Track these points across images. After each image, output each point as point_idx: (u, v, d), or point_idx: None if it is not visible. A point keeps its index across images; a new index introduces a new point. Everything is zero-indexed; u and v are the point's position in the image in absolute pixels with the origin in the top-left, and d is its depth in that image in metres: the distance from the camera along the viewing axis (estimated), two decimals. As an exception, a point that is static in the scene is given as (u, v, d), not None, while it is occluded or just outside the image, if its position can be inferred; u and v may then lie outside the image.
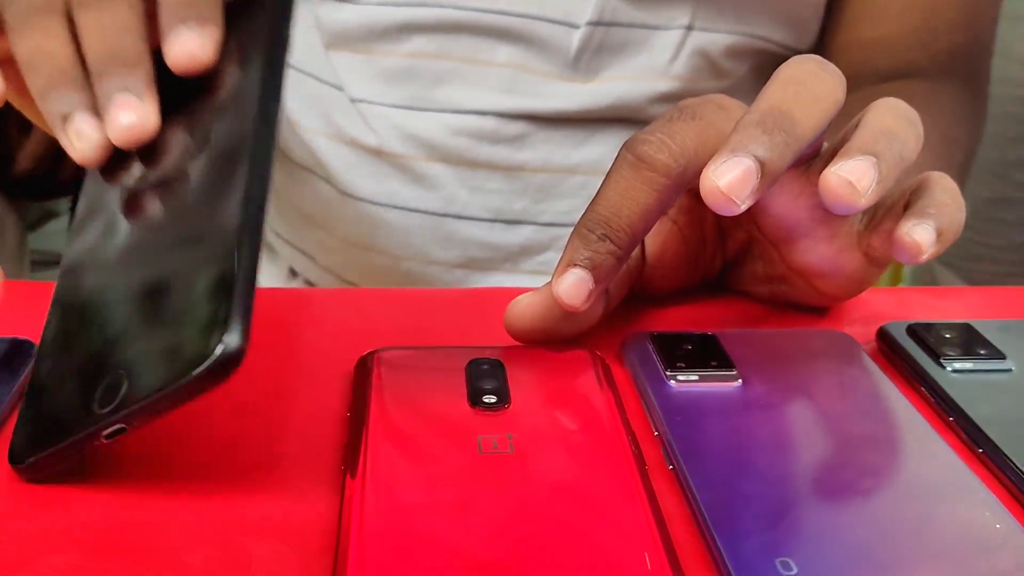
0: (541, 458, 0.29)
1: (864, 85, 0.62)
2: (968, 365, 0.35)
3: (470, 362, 0.33)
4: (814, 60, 0.34)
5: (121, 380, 0.27)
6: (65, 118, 0.32)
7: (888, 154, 0.32)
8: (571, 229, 0.34)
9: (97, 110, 0.32)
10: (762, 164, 0.30)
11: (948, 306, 0.42)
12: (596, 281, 0.33)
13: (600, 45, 0.59)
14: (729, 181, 0.30)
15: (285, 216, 0.68)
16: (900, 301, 0.43)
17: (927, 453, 0.31)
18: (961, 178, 0.63)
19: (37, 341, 0.31)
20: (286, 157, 0.66)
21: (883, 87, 0.63)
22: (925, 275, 0.96)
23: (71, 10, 0.33)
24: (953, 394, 0.33)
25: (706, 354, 0.35)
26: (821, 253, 0.37)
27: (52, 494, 0.28)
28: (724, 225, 0.40)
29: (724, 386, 0.33)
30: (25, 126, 0.91)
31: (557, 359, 0.34)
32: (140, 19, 0.33)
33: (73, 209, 0.78)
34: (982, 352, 0.36)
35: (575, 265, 0.33)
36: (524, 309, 0.35)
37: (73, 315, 0.31)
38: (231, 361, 0.25)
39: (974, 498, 0.28)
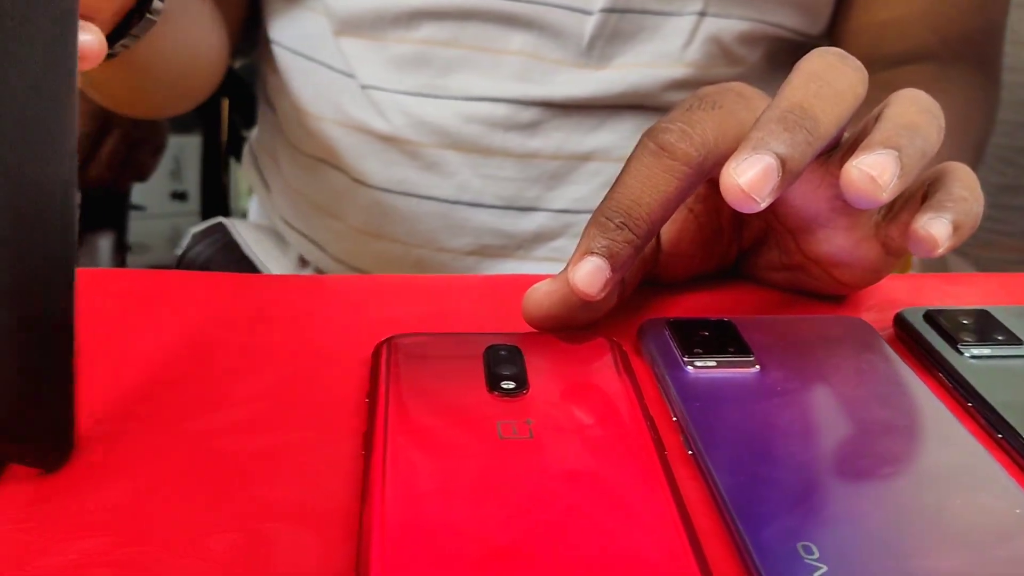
0: (561, 444, 0.29)
1: (877, 69, 0.62)
2: (986, 351, 0.35)
3: (487, 348, 0.33)
4: (835, 54, 0.34)
5: None
6: None
7: (910, 148, 0.32)
8: (584, 216, 0.34)
9: None
10: (783, 162, 0.30)
11: (963, 292, 0.42)
12: (613, 270, 0.33)
13: (613, 32, 0.58)
14: (750, 179, 0.30)
15: (295, 205, 0.68)
16: (915, 288, 0.43)
17: (946, 439, 0.31)
18: (974, 163, 0.62)
19: None
20: (296, 148, 0.66)
21: (897, 71, 0.63)
22: (936, 261, 0.96)
23: None
24: (971, 380, 0.33)
25: (723, 340, 0.35)
26: (839, 243, 0.37)
27: (76, 480, 0.28)
28: (741, 214, 0.40)
29: (742, 372, 0.33)
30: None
31: (575, 345, 0.34)
32: None
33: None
34: (999, 338, 0.36)
35: (592, 253, 0.33)
36: (542, 297, 0.35)
37: None
38: None
39: (994, 484, 0.28)
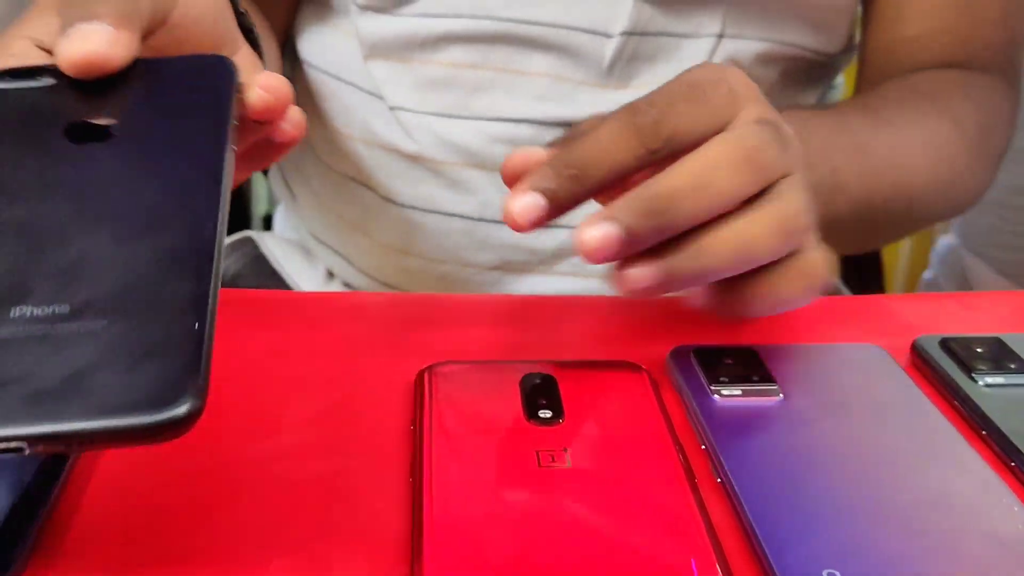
0: (597, 472, 0.31)
1: None
2: (1000, 379, 0.37)
3: (524, 377, 0.35)
4: (756, 138, 0.35)
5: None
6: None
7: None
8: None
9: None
10: (626, 233, 0.33)
11: (979, 318, 0.44)
12: (549, 214, 0.34)
13: (633, 54, 0.60)
14: (589, 243, 0.33)
15: (324, 220, 0.69)
16: (932, 312, 0.44)
17: (962, 467, 0.32)
18: (995, 167, 0.64)
19: None
20: (327, 166, 0.67)
21: (921, 73, 0.63)
22: (955, 264, 0.96)
23: None
24: (985, 408, 0.35)
25: (748, 369, 0.36)
26: None
27: (139, 502, 0.30)
28: None
29: (767, 400, 0.35)
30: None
31: (606, 374, 0.36)
32: None
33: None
34: (1012, 366, 0.37)
35: (539, 191, 0.34)
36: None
37: None
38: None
39: (1009, 512, 0.30)
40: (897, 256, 1.50)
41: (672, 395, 0.37)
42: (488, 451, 0.32)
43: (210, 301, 0.26)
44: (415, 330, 0.41)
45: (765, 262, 0.35)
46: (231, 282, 0.71)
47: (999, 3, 0.64)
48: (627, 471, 0.31)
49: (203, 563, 0.28)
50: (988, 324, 0.43)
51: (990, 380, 0.37)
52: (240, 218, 0.97)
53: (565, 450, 0.31)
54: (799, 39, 0.63)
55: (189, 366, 0.24)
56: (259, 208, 1.31)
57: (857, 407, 0.35)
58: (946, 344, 0.39)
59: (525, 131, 0.61)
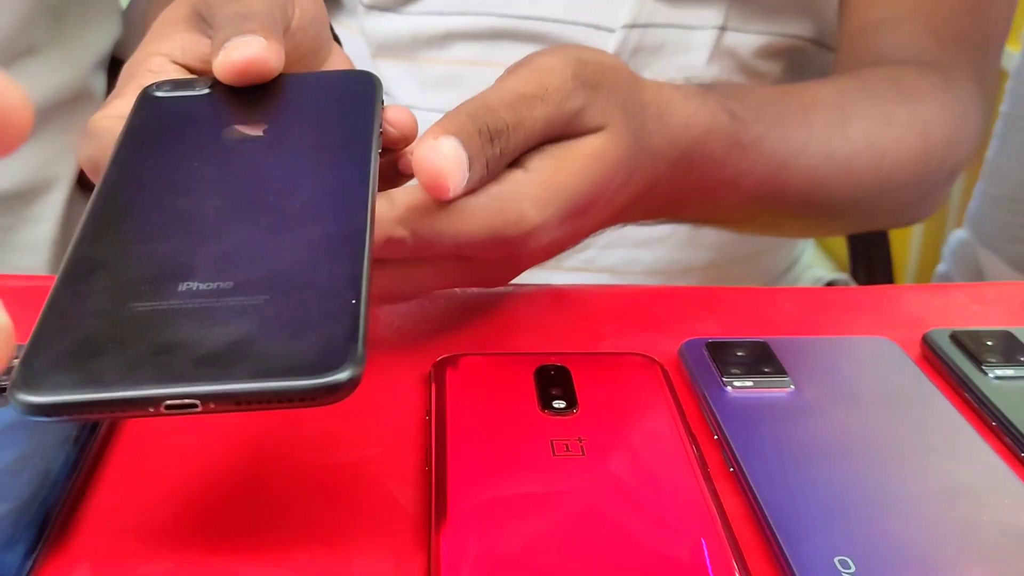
0: (611, 461, 0.31)
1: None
2: (1010, 372, 0.37)
3: (538, 368, 0.36)
4: None
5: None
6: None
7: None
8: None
9: None
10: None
11: (988, 311, 0.44)
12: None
13: (636, 47, 0.60)
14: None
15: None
16: (942, 305, 0.44)
17: (973, 458, 0.33)
18: (950, 181, 0.62)
19: None
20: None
21: (906, 68, 0.62)
22: (969, 258, 0.96)
23: None
24: (996, 401, 0.35)
25: (759, 361, 0.37)
26: None
27: (167, 491, 0.31)
28: None
29: (778, 392, 0.35)
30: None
31: (619, 365, 0.37)
32: None
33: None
34: (1022, 359, 0.38)
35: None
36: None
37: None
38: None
39: (1018, 502, 0.30)
40: (907, 249, 1.50)
41: (685, 387, 0.37)
42: (503, 440, 0.32)
43: (364, 281, 0.27)
44: (429, 323, 0.42)
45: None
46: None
47: None
48: (640, 460, 0.31)
49: (225, 550, 0.28)
50: (998, 317, 0.43)
51: (1000, 373, 0.37)
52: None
53: (579, 440, 0.32)
54: (801, 31, 0.63)
55: (349, 337, 0.25)
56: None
57: (868, 399, 0.36)
58: (956, 337, 0.39)
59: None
